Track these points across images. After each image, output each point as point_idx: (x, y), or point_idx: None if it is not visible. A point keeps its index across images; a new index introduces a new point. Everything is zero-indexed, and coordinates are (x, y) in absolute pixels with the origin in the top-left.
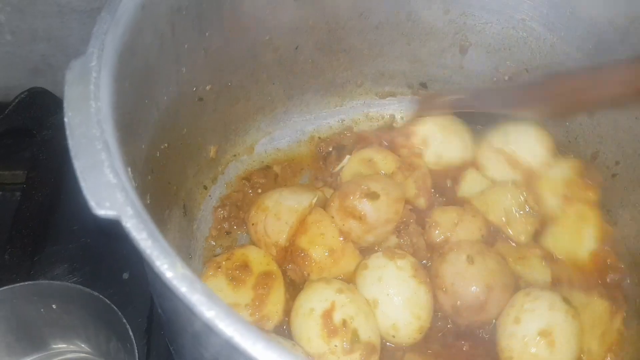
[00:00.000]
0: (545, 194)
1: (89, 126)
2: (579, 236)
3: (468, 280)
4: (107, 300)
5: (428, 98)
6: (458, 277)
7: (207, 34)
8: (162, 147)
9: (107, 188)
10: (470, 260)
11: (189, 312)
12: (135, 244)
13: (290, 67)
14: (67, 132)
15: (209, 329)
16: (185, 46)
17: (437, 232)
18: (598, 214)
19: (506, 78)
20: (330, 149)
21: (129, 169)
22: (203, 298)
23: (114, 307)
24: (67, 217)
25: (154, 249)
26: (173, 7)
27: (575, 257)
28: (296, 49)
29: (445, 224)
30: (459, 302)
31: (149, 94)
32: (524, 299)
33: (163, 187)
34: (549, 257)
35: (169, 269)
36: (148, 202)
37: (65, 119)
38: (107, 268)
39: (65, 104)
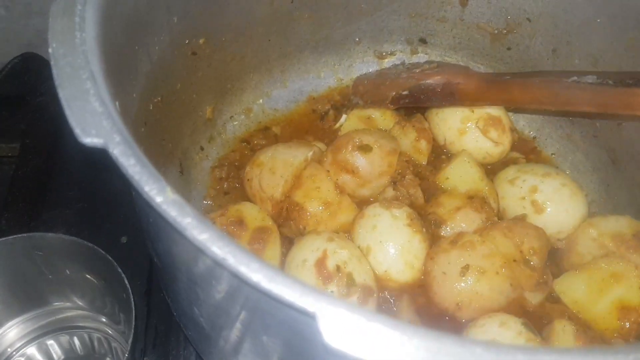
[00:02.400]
0: (582, 239)
1: (74, 56)
2: (600, 294)
3: None
4: (102, 252)
5: (373, 91)
6: None
7: None
8: (155, 100)
9: (93, 116)
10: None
11: (181, 238)
12: (124, 172)
13: (286, 21)
14: (52, 63)
15: (201, 255)
16: None
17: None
18: (637, 282)
19: (505, 32)
20: (328, 108)
21: (117, 103)
22: (194, 221)
23: (110, 258)
24: (63, 183)
25: (142, 174)
26: None
27: (583, 312)
28: (292, 2)
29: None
30: None
31: (139, 40)
32: None
33: (157, 143)
34: (552, 299)
35: (158, 193)
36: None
37: (50, 50)
38: (105, 232)
39: (50, 36)
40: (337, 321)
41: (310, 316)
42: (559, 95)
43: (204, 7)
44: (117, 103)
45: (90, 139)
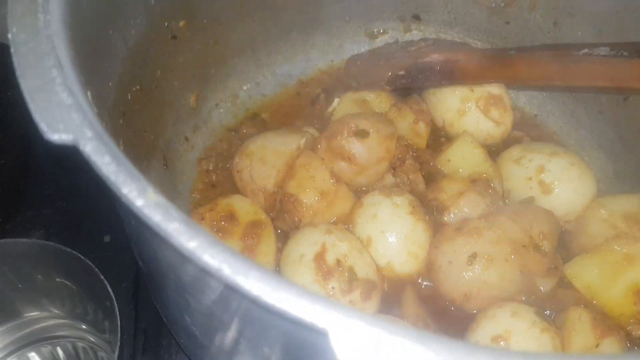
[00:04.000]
0: (592, 220)
1: (37, 42)
2: (614, 278)
3: None
4: (80, 256)
5: (367, 72)
6: None
7: None
8: (133, 89)
9: (60, 108)
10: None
11: (167, 246)
12: (97, 171)
13: (271, 1)
14: (12, 50)
15: (191, 264)
16: None
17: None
18: None
19: (503, 5)
20: (319, 92)
21: (89, 93)
22: (182, 227)
23: (89, 263)
24: (40, 182)
25: (119, 173)
26: None
27: (597, 297)
28: None
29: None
30: None
31: (113, 24)
32: None
33: (138, 135)
34: (564, 284)
35: (139, 195)
36: (121, 148)
37: (9, 36)
38: (86, 231)
39: (9, 20)
40: (352, 337)
41: (321, 333)
42: (569, 69)
43: None
44: (88, 93)
45: (58, 135)
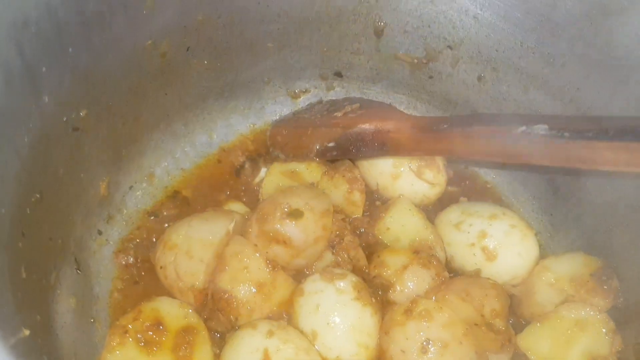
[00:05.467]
0: (539, 286)
1: None
2: (568, 347)
3: None
4: None
5: (294, 143)
6: None
7: (70, 50)
8: (32, 200)
9: None
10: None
11: None
12: None
13: (182, 72)
14: None
15: None
16: (44, 69)
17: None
18: (602, 328)
19: (425, 61)
20: (243, 160)
21: None
22: None
23: None
24: None
25: None
26: (17, 22)
27: None
28: (187, 50)
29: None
30: None
31: (1, 138)
32: None
33: (42, 248)
34: (518, 357)
35: None
36: (24, 276)
37: None
38: None
39: None
40: None
41: None
42: (507, 147)
43: (81, 76)
44: None
45: None
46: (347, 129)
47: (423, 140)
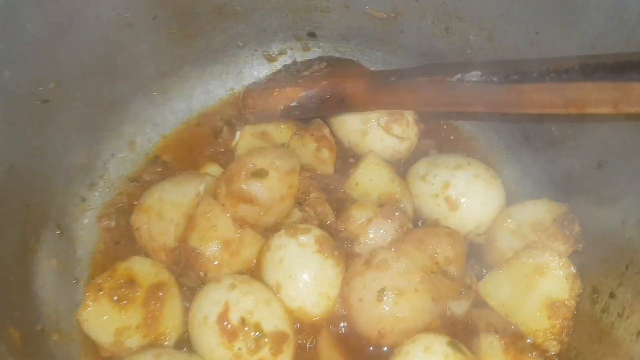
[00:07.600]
0: (501, 233)
1: None
2: (526, 292)
3: None
4: None
5: (262, 105)
6: None
7: (27, 26)
8: (1, 169)
9: None
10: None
11: None
12: None
13: (153, 41)
14: None
15: None
16: (0, 46)
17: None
18: (562, 272)
19: (393, 15)
20: (221, 124)
21: None
22: None
23: None
24: None
25: None
26: None
27: (511, 315)
28: (154, 19)
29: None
30: None
31: None
32: None
33: (17, 215)
34: (479, 304)
35: None
36: None
37: None
38: None
39: None
40: None
41: None
42: (446, 96)
43: (44, 51)
44: None
45: None
46: (308, 88)
47: (376, 94)
